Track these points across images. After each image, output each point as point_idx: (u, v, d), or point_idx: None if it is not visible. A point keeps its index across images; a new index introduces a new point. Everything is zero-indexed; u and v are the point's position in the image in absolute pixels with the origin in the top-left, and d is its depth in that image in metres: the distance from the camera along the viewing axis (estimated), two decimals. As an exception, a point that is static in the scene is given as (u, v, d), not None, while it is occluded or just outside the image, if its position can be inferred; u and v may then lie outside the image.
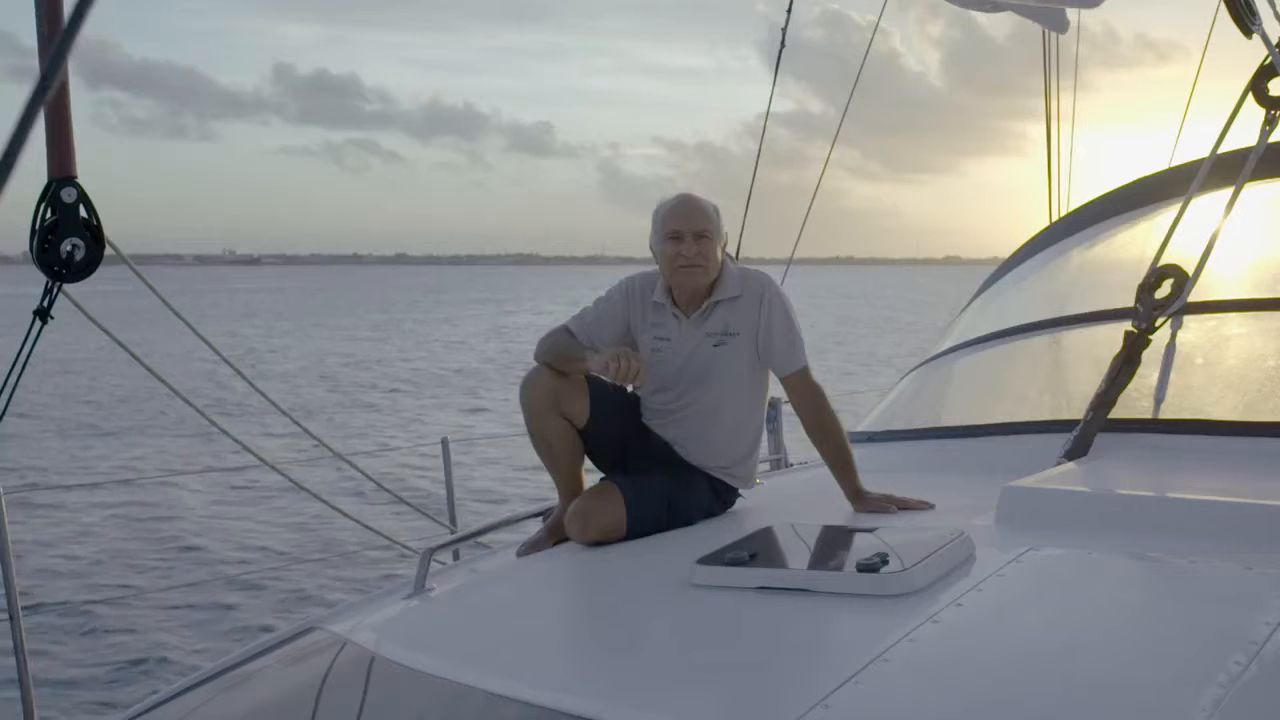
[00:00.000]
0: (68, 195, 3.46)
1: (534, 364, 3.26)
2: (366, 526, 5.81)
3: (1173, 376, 3.67)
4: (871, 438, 4.28)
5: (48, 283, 3.50)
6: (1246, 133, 3.95)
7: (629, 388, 3.29)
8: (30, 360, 3.50)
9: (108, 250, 3.71)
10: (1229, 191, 3.83)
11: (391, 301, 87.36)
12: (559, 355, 3.21)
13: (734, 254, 3.96)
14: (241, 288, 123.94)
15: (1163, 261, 3.76)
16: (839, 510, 3.20)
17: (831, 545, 2.61)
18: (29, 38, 3.29)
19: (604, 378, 3.16)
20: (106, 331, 4.04)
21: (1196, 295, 3.67)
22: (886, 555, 2.31)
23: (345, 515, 5.63)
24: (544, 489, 3.43)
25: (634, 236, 3.34)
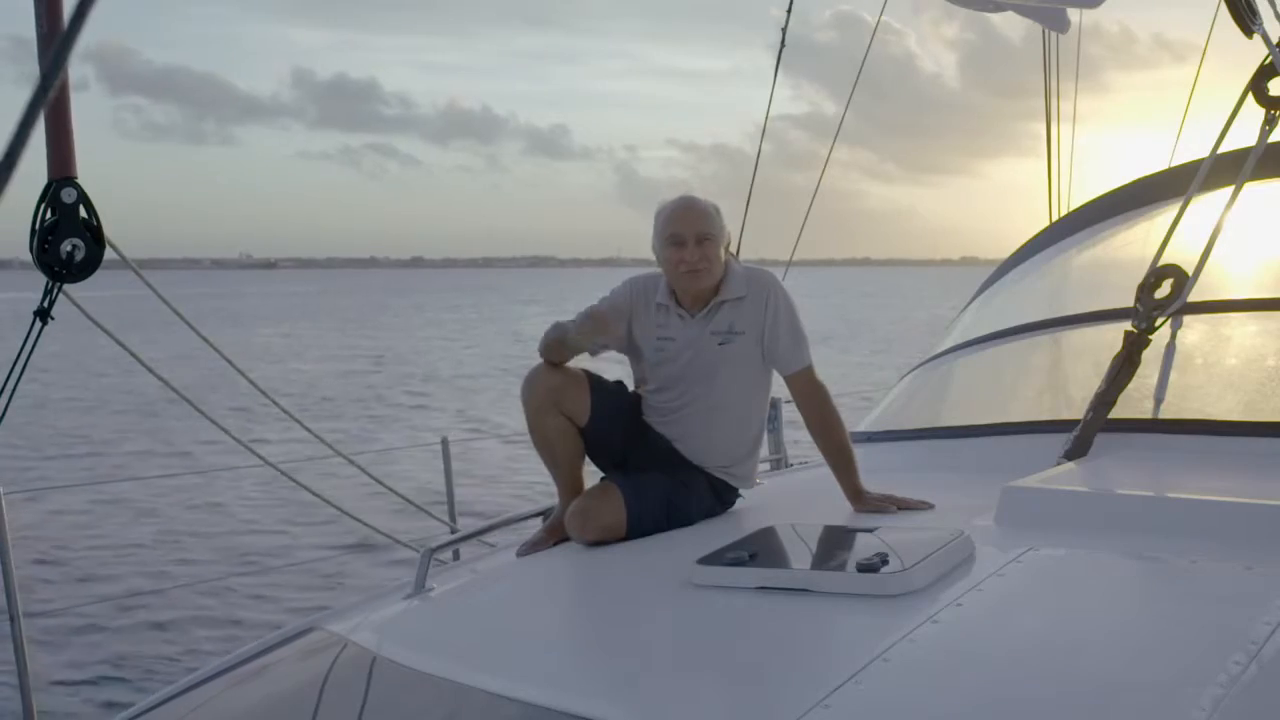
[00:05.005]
0: (68, 196, 3.46)
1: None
2: (367, 526, 5.81)
3: (1173, 376, 3.67)
4: (871, 438, 4.28)
5: (48, 283, 3.50)
6: (1247, 133, 3.95)
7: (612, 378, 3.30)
8: (30, 361, 3.50)
9: (120, 253, 3.72)
10: (1229, 191, 3.82)
11: (456, 303, 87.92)
12: (551, 346, 3.21)
13: (735, 254, 3.96)
14: (290, 291, 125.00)
15: (1163, 261, 3.75)
16: (839, 510, 3.20)
17: (831, 545, 2.61)
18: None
19: (591, 342, 3.17)
20: (107, 332, 4.04)
21: (1196, 295, 3.67)
22: (886, 555, 2.31)
23: (346, 515, 5.63)
24: (544, 489, 3.43)
25: (650, 239, 3.37)
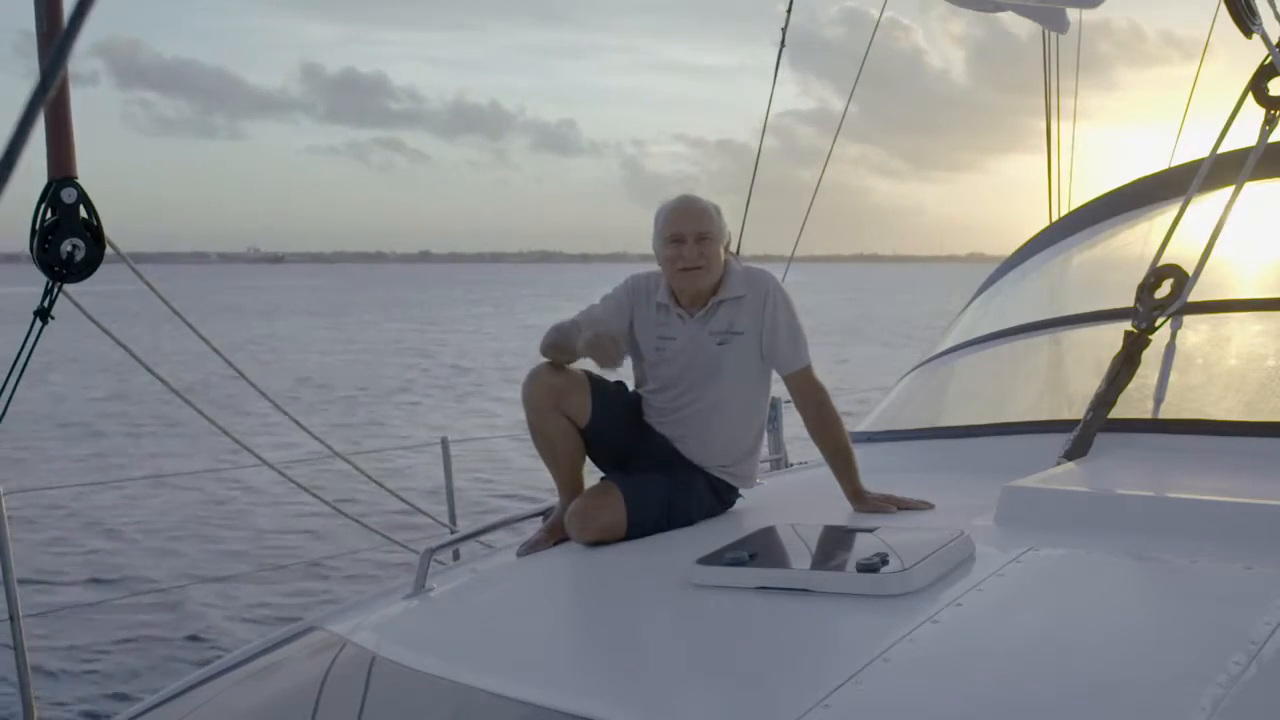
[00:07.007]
0: (68, 195, 3.46)
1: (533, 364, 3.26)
2: (367, 526, 5.81)
3: (1173, 376, 3.67)
4: (871, 438, 4.28)
5: (48, 283, 3.50)
6: (1247, 133, 3.95)
7: (612, 377, 3.30)
8: (30, 361, 3.50)
9: (120, 253, 3.72)
10: (1229, 191, 3.83)
11: (510, 298, 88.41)
12: (554, 345, 3.21)
13: (736, 252, 3.96)
14: (306, 285, 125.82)
15: (1163, 261, 3.76)
16: (839, 510, 3.20)
17: (831, 545, 2.61)
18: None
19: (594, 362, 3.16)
20: (106, 331, 4.04)
21: (1196, 295, 3.67)
22: (886, 555, 2.31)
23: (345, 515, 5.62)
24: (544, 489, 3.44)
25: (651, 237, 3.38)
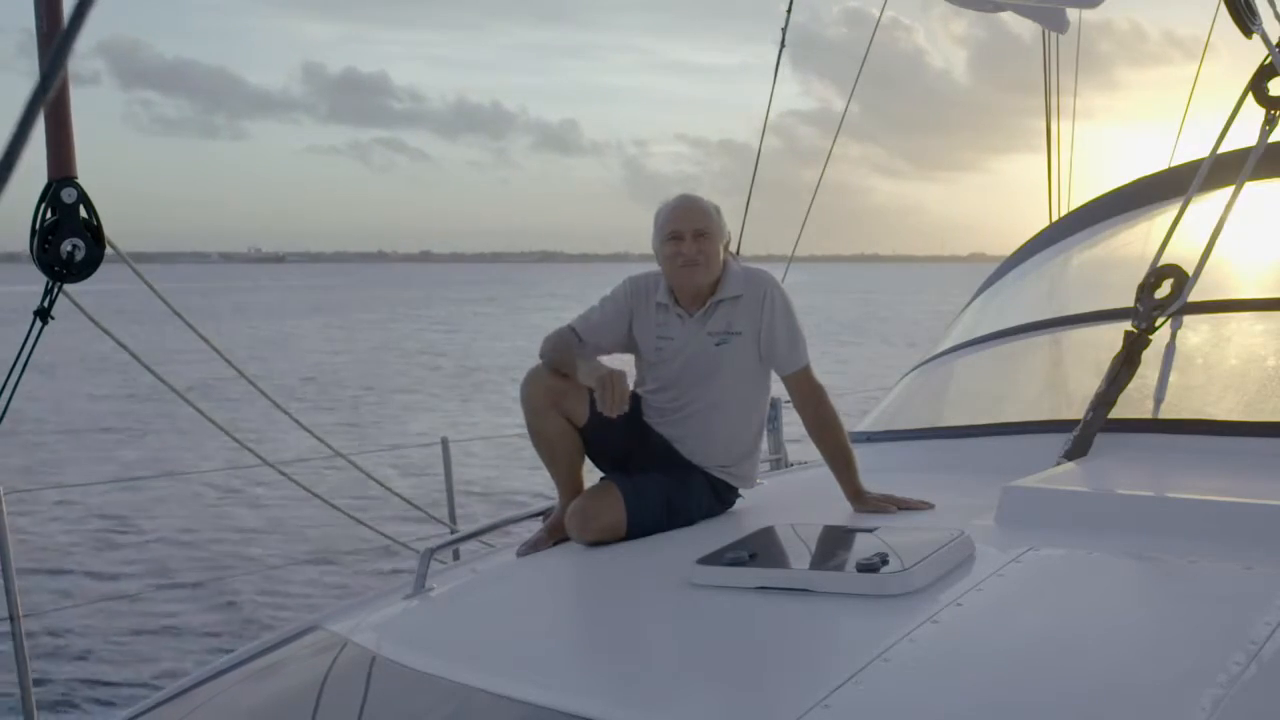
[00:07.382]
0: (68, 195, 3.45)
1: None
2: (367, 526, 5.81)
3: (1173, 376, 3.67)
4: (871, 438, 4.28)
5: (48, 283, 3.50)
6: (1247, 133, 3.95)
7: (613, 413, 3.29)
8: (30, 361, 3.50)
9: (120, 253, 3.73)
10: (1229, 191, 3.83)
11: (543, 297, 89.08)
12: (557, 357, 3.21)
13: (736, 252, 3.96)
14: (318, 284, 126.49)
15: (1163, 261, 3.76)
16: (839, 510, 3.20)
17: (831, 545, 2.61)
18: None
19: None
20: (106, 331, 4.03)
21: (1196, 295, 3.67)
22: (886, 555, 2.31)
23: (346, 515, 5.62)
24: (544, 489, 3.44)
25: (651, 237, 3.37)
